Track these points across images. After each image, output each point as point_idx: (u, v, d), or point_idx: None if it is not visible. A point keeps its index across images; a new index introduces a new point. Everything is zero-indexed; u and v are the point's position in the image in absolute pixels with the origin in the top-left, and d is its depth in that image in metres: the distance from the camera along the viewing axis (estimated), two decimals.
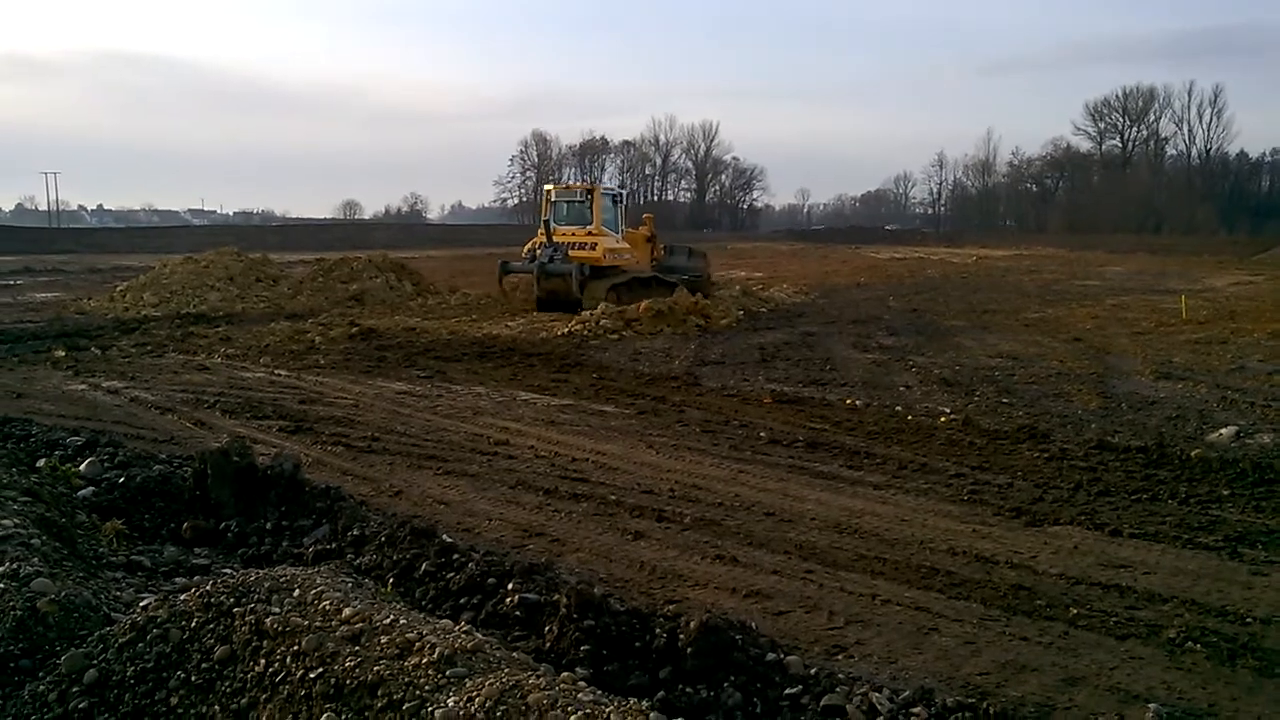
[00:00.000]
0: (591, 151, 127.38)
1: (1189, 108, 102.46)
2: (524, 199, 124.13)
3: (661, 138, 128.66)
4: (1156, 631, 5.00)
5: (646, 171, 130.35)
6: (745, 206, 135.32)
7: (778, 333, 18.40)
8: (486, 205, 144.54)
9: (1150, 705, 2.95)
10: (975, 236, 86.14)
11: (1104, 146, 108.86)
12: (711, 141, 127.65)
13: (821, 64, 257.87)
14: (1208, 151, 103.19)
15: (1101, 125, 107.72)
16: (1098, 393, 11.87)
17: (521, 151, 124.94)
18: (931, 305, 24.46)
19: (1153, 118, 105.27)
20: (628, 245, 24.00)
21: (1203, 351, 15.39)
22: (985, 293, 28.69)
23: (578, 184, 25.67)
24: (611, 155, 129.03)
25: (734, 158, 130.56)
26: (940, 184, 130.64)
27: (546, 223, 22.83)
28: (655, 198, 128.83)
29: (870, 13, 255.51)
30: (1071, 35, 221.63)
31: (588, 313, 18.81)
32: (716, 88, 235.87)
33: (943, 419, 10.31)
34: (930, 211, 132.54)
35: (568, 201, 23.94)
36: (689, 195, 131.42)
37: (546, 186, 25.36)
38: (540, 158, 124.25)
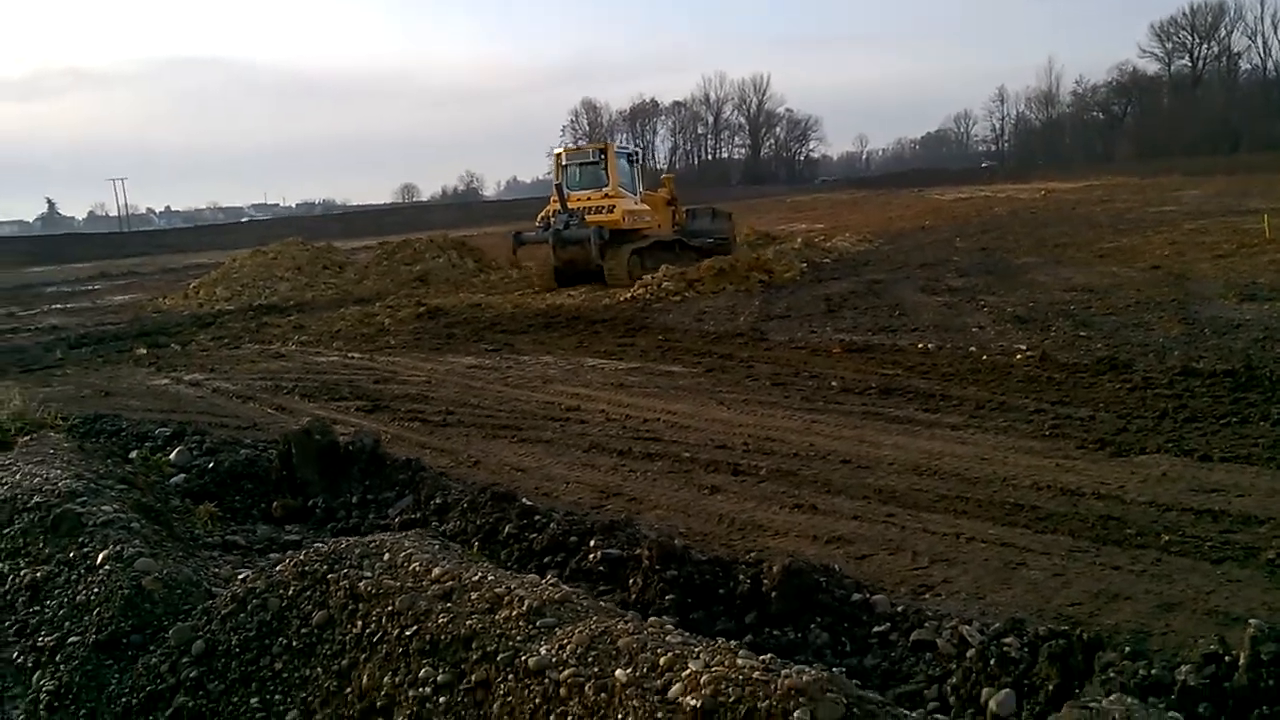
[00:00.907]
0: (642, 115, 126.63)
1: (1262, 19, 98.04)
2: None
3: (712, 95, 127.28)
4: (1254, 554, 4.86)
5: (699, 131, 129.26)
6: (802, 158, 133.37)
7: (843, 282, 18.16)
8: (541, 178, 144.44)
9: (1251, 621, 2.88)
10: (1042, 171, 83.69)
11: (1173, 67, 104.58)
12: (764, 95, 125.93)
13: (872, 5, 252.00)
14: None
15: (1169, 45, 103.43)
16: (1179, 319, 11.51)
17: (572, 120, 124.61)
18: (1000, 243, 23.89)
19: (1223, 33, 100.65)
20: (647, 207, 22.65)
21: None
22: (1055, 227, 27.93)
23: (589, 144, 23.91)
24: (662, 117, 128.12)
25: (787, 109, 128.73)
26: (1002, 120, 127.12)
27: (559, 188, 21.47)
28: (709, 156, 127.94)
29: None
30: None
31: (649, 276, 18.68)
32: (765, 38, 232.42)
33: (1018, 356, 10.10)
34: (993, 149, 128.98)
35: (580, 164, 22.52)
36: (743, 151, 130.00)
37: (555, 149, 23.31)
38: (591, 125, 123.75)
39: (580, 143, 24.27)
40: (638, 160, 23.84)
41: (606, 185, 21.55)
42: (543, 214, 21.85)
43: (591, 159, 22.40)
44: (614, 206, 21.06)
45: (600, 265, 20.15)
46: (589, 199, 21.38)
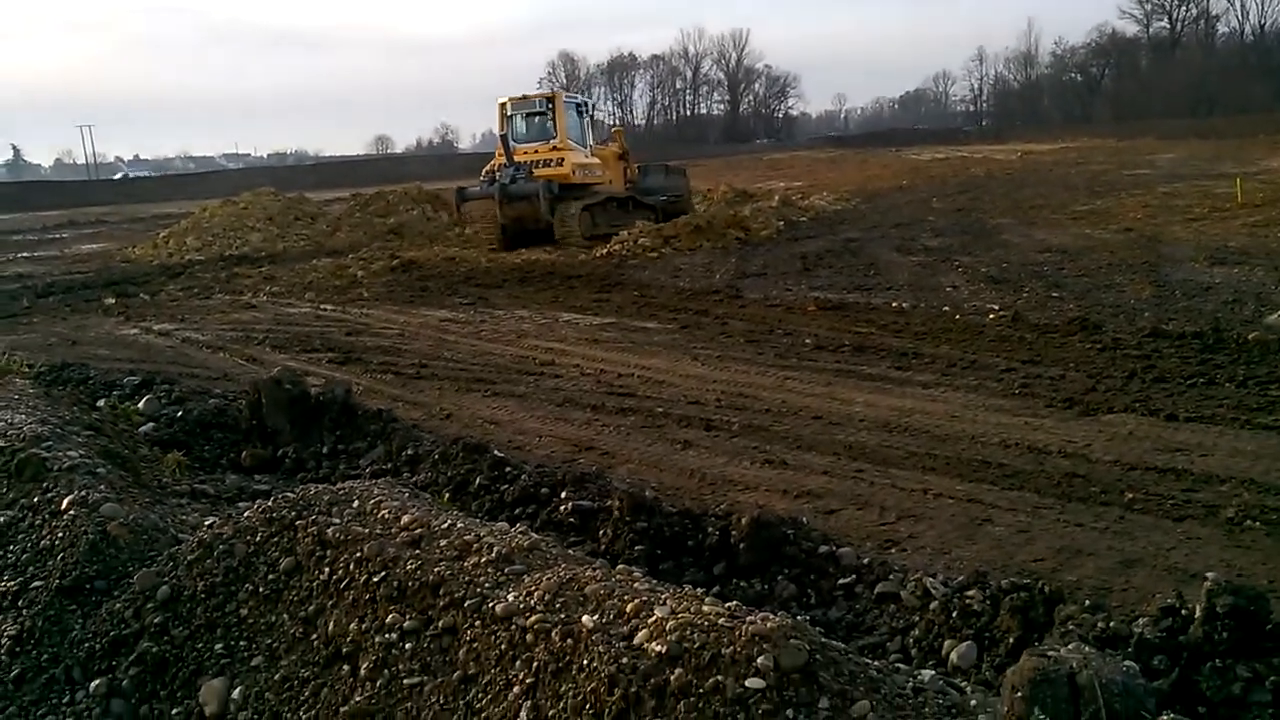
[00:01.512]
0: (620, 69, 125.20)
1: None
2: None
3: (691, 49, 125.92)
4: (1214, 512, 4.95)
5: (677, 86, 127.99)
6: (780, 116, 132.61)
7: (819, 241, 18.16)
8: None
9: (1208, 575, 2.94)
10: (1020, 132, 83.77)
11: (1151, 29, 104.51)
12: (743, 50, 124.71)
13: None
14: (1262, 27, 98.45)
15: (1148, 6, 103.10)
16: (1150, 282, 11.61)
17: (550, 73, 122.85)
18: (976, 204, 23.92)
19: None
20: (598, 161, 21.47)
21: (1260, 234, 14.93)
22: (1031, 188, 27.99)
23: (535, 93, 21.52)
24: (641, 71, 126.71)
25: (766, 66, 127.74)
26: (981, 80, 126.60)
27: (504, 139, 20.11)
28: (688, 112, 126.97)
29: None
30: None
31: (625, 232, 18.52)
32: None
33: (991, 316, 10.16)
34: (972, 109, 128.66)
35: (527, 114, 21.11)
36: (722, 108, 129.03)
37: (500, 99, 21.28)
38: (569, 78, 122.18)
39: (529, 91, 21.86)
40: (588, 111, 22.37)
41: (555, 137, 20.37)
42: (488, 168, 20.70)
43: (538, 109, 21.00)
44: (563, 159, 19.93)
45: (549, 222, 19.07)
46: (536, 152, 20.18)
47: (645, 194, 22.22)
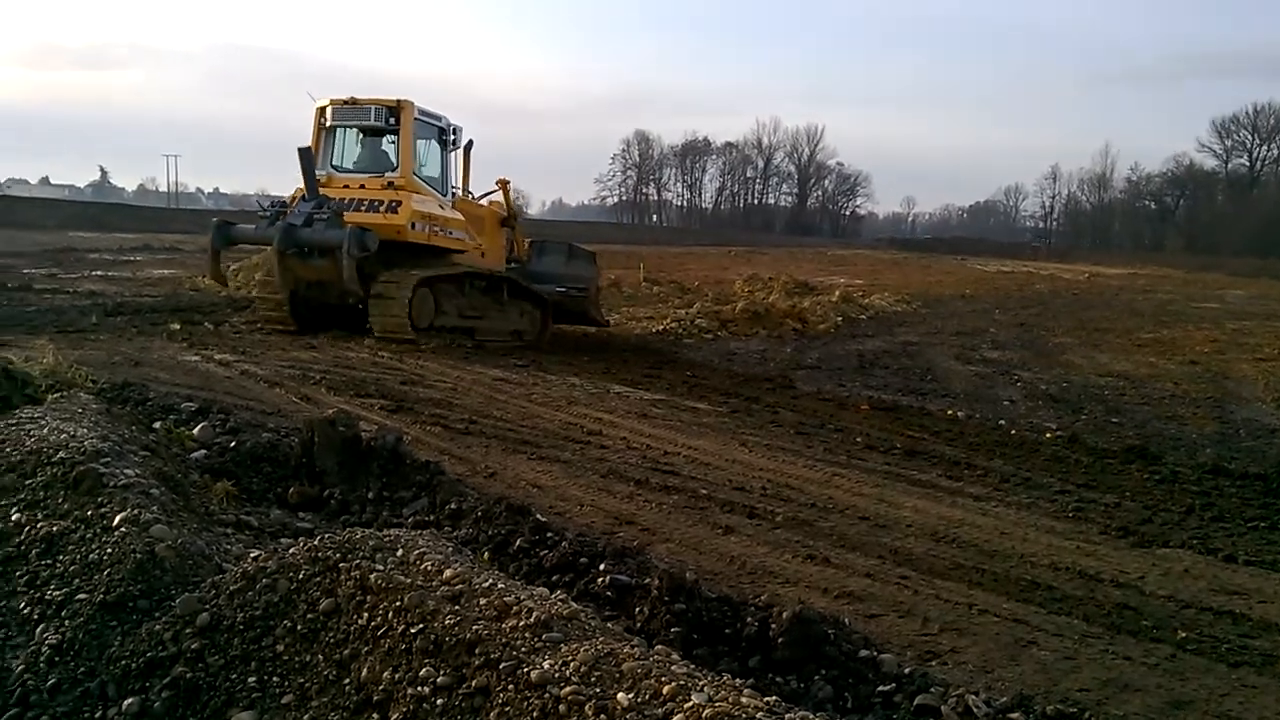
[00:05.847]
0: (693, 152, 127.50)
1: None
2: (623, 197, 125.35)
3: (765, 140, 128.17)
4: (1273, 662, 4.76)
5: (748, 174, 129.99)
6: (847, 213, 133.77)
7: (877, 340, 18.13)
8: (586, 203, 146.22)
9: None
10: (1088, 253, 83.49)
11: (1230, 165, 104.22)
12: (816, 146, 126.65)
13: (934, 71, 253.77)
14: None
15: (1228, 143, 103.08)
16: (1214, 417, 11.39)
17: (624, 150, 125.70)
18: (1040, 321, 23.76)
19: None
20: (460, 216, 14.64)
21: None
22: (1097, 310, 27.78)
23: (371, 99, 13.97)
24: (713, 156, 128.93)
25: (838, 163, 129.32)
26: (1054, 198, 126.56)
27: (305, 154, 13.18)
28: (756, 200, 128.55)
29: (986, 19, 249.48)
30: (1197, 48, 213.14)
31: (682, 310, 18.55)
32: (823, 93, 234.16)
33: (1048, 435, 10.01)
34: (1041, 225, 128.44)
35: (357, 127, 14.36)
36: (790, 200, 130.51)
37: (319, 102, 14.41)
38: (642, 157, 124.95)
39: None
40: (455, 143, 14.98)
41: (394, 170, 13.91)
42: (273, 200, 14.45)
43: (373, 121, 14.03)
44: (399, 204, 13.38)
45: (360, 294, 13.00)
46: (363, 188, 13.79)
47: (534, 280, 15.64)
